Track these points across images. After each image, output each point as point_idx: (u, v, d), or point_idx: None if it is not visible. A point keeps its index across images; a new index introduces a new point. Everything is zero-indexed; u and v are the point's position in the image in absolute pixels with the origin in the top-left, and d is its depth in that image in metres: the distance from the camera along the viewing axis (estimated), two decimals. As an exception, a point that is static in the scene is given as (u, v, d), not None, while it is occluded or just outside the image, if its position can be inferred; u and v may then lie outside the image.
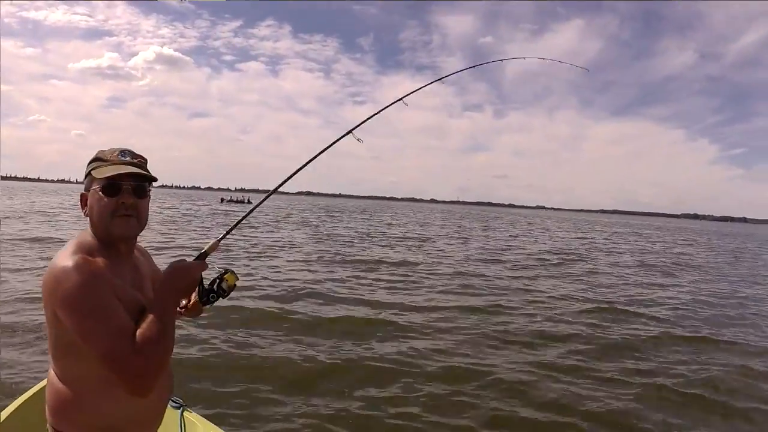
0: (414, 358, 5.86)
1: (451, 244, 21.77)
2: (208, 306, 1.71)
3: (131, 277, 1.55)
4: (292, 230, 25.22)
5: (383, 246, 19.31)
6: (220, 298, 1.67)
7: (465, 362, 5.85)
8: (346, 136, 2.24)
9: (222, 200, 72.56)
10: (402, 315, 7.97)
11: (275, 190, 2.01)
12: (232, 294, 1.72)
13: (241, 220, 1.92)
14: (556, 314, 8.57)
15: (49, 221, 21.75)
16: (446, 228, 35.25)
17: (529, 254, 19.11)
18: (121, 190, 1.47)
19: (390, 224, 36.60)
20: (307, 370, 5.40)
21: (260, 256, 14.07)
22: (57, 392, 1.46)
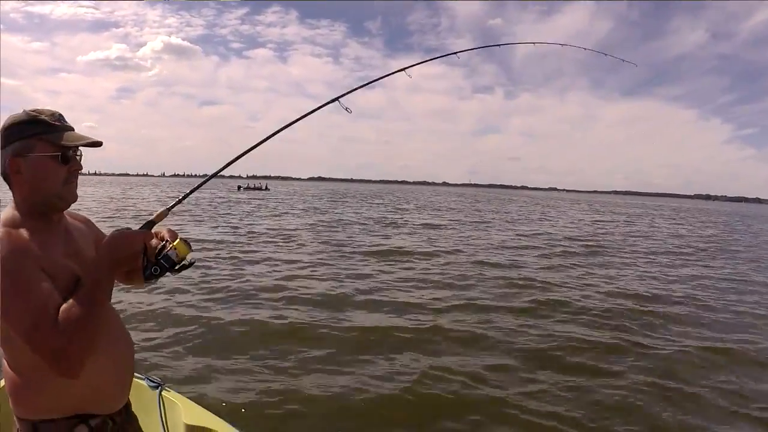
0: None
1: (476, 231, 20.88)
2: (152, 280, 1.47)
3: (64, 246, 1.45)
4: (305, 216, 24.94)
5: (405, 234, 18.64)
6: (168, 273, 1.44)
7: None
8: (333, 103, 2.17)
9: (239, 188, 71.67)
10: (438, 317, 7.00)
11: (243, 155, 1.91)
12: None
13: (195, 189, 1.81)
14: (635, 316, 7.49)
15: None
16: (465, 213, 34.44)
17: (562, 239, 18.27)
18: (73, 157, 1.44)
19: (405, 209, 35.88)
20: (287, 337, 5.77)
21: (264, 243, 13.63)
22: (12, 381, 1.42)
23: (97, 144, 1.47)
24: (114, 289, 1.44)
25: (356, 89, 2.30)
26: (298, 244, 14.10)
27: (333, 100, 2.17)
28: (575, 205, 62.85)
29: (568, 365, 5.38)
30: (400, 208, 36.39)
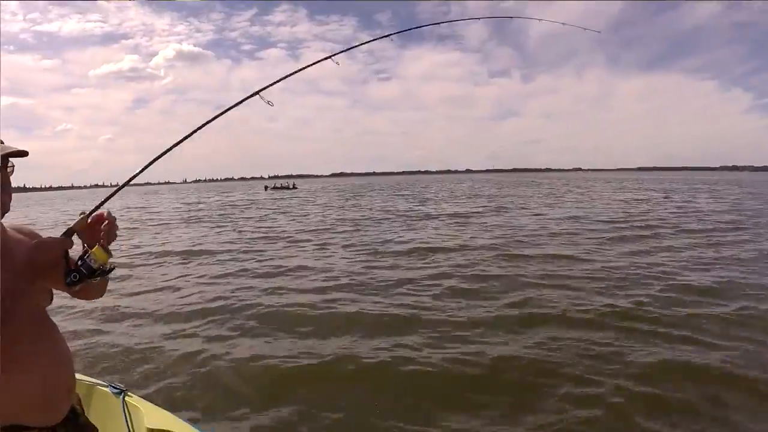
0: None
1: (522, 217, 20.04)
2: (75, 287, 1.49)
3: None
4: (329, 213, 24.74)
5: (432, 227, 17.97)
6: (90, 279, 1.49)
7: None
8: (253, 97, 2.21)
9: (266, 188, 72.24)
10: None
11: (161, 156, 1.92)
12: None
13: (113, 194, 1.83)
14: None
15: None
16: (498, 199, 33.61)
17: (612, 220, 17.33)
18: None
19: (429, 199, 35.25)
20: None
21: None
22: None
23: (22, 153, 1.46)
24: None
25: (278, 81, 2.32)
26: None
27: (253, 94, 2.21)
28: (605, 184, 61.18)
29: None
30: (438, 198, 35.75)
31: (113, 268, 1.54)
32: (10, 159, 1.45)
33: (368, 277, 8.85)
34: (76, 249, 1.54)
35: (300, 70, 2.43)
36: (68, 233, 1.53)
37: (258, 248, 13.03)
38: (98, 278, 1.51)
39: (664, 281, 7.95)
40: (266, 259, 11.22)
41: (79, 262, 1.48)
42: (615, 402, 4.08)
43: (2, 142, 1.46)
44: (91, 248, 1.49)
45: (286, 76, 2.34)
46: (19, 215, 30.72)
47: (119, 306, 7.41)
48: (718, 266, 9.15)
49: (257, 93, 2.20)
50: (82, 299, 1.79)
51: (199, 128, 2.04)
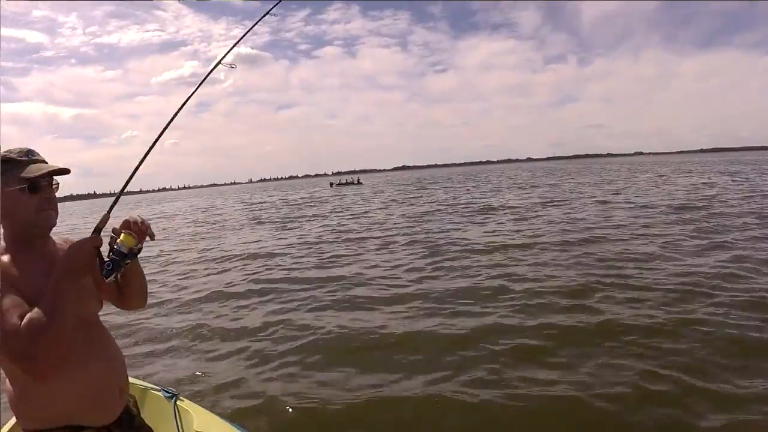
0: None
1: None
2: (111, 278, 1.57)
3: (43, 268, 1.55)
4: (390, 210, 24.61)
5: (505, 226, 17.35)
6: (122, 266, 1.58)
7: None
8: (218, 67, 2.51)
9: (331, 185, 73.01)
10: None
11: (145, 156, 1.95)
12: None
13: (120, 193, 1.83)
14: None
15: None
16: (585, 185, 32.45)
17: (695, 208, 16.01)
18: (42, 186, 1.58)
19: (491, 190, 34.40)
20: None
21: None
22: (9, 393, 1.55)
23: (64, 171, 1.62)
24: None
25: (236, 44, 2.59)
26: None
27: (217, 64, 2.49)
28: (666, 168, 58.16)
29: None
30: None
31: (141, 248, 1.62)
32: (54, 177, 1.63)
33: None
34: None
35: (247, 32, 2.67)
36: (96, 231, 1.62)
37: (335, 251, 12.73)
38: (129, 261, 1.59)
39: None
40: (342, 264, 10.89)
41: (111, 254, 1.57)
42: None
43: (46, 162, 1.64)
44: (118, 236, 1.58)
45: (240, 39, 2.60)
46: (90, 220, 31.90)
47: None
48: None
49: (219, 62, 2.45)
50: (129, 307, 1.92)
51: (176, 114, 2.13)
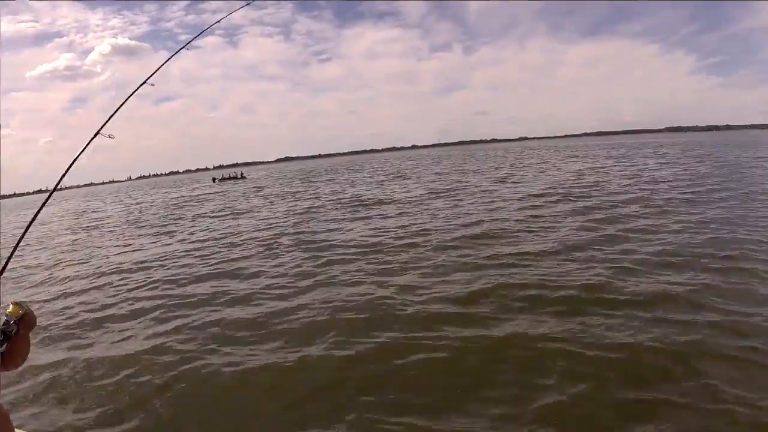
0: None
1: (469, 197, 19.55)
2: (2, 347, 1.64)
3: None
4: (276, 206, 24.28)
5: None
6: (13, 335, 1.68)
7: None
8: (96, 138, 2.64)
9: (214, 180, 71.53)
10: None
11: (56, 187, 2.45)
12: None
13: (20, 239, 2.17)
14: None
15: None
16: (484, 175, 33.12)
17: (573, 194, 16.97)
18: None
19: (381, 182, 34.65)
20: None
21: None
22: None
23: None
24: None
25: (113, 114, 2.78)
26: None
27: (95, 135, 2.65)
28: (553, 152, 61.62)
29: None
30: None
31: (29, 321, 1.78)
32: None
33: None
34: None
35: (127, 99, 3.00)
36: None
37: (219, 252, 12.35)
38: (16, 329, 1.71)
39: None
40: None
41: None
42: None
43: None
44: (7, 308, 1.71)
45: (116, 110, 2.76)
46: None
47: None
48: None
49: (97, 133, 2.58)
50: (12, 366, 1.85)
51: (107, 120, 2.45)
